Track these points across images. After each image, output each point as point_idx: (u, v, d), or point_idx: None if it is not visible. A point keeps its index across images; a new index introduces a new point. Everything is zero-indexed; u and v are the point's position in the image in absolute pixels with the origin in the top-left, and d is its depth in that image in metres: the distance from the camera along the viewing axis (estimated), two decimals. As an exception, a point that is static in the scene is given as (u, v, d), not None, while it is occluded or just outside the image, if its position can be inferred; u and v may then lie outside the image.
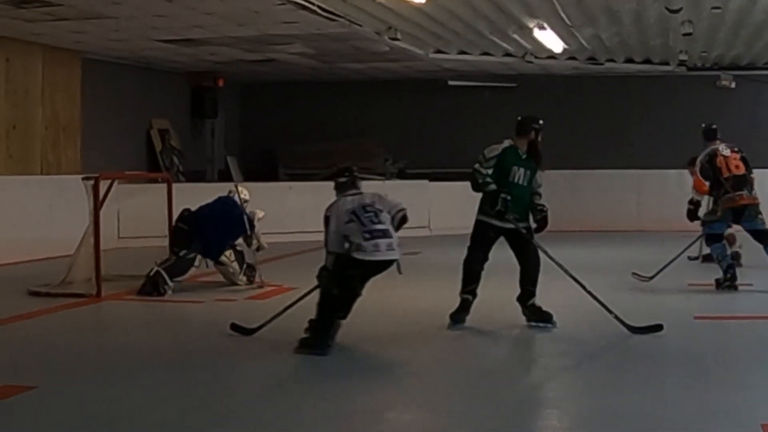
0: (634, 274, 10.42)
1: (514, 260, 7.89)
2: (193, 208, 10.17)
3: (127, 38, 13.43)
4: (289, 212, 14.81)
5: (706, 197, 10.52)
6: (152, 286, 9.55)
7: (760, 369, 6.39)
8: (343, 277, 6.80)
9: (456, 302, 7.82)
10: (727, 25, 13.49)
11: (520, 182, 7.79)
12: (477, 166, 7.73)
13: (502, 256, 7.94)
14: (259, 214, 10.24)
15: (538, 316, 7.78)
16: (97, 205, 9.69)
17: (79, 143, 14.56)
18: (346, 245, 6.76)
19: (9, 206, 12.51)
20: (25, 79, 13.52)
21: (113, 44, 13.91)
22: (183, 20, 12.17)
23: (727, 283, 9.63)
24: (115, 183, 10.66)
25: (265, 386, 6.15)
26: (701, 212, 10.58)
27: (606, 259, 12.57)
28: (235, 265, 10.10)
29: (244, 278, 10.13)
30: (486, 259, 7.83)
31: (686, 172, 12.11)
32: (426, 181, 17.26)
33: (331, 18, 11.91)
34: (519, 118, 7.98)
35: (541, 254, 7.79)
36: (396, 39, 13.55)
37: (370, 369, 6.71)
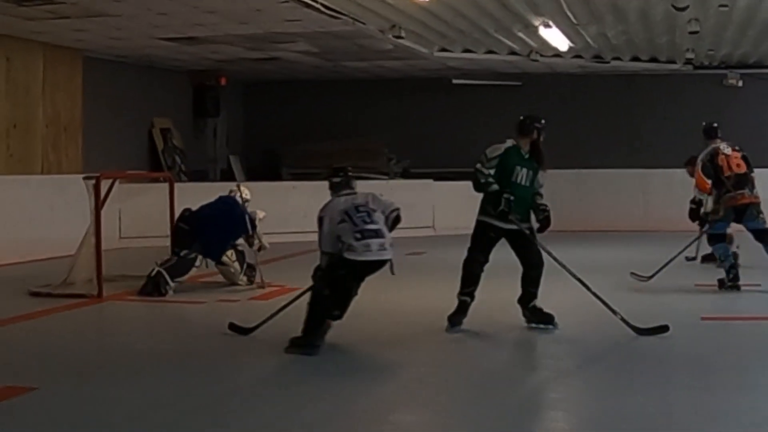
0: (632, 273, 10.38)
1: (514, 261, 7.81)
2: (194, 208, 10.14)
3: (128, 36, 13.40)
4: (292, 212, 14.72)
5: (706, 196, 10.54)
6: (153, 287, 9.54)
7: (768, 370, 6.36)
8: (334, 277, 6.82)
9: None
10: (735, 24, 13.46)
11: (523, 182, 7.71)
12: (479, 166, 7.65)
13: (502, 256, 7.87)
14: (260, 214, 10.22)
15: (540, 318, 7.73)
16: (99, 205, 9.66)
17: (80, 142, 14.52)
18: (340, 245, 6.78)
19: (9, 206, 12.51)
20: (25, 77, 13.49)
21: (114, 42, 13.88)
22: (185, 18, 12.13)
23: (730, 284, 9.61)
24: (117, 183, 10.62)
25: (266, 387, 6.15)
26: (702, 212, 10.57)
27: (611, 259, 12.53)
28: (237, 265, 10.09)
29: (245, 278, 10.12)
30: (486, 261, 7.75)
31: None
32: (430, 181, 17.25)
33: (334, 16, 11.88)
34: (521, 117, 7.91)
35: (544, 255, 7.71)
36: (400, 37, 13.50)
37: (372, 370, 6.71)
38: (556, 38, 14.21)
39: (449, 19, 13.20)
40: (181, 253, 9.78)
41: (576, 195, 17.31)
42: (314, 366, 6.50)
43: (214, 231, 9.86)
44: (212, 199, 10.30)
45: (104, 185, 9.87)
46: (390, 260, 6.96)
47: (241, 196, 10.08)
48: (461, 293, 7.72)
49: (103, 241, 9.62)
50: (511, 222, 7.58)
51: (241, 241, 10.14)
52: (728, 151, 9.79)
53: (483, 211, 7.72)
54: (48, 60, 13.83)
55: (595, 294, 7.61)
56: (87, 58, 14.62)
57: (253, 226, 10.01)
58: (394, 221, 7.13)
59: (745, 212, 9.62)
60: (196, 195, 10.95)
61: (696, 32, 13.01)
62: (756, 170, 9.91)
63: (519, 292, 7.80)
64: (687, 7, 11.66)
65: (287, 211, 14.64)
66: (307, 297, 7.02)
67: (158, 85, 17.03)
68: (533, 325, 7.73)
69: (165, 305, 9.26)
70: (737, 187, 9.59)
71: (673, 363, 6.58)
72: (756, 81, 17.57)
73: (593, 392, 5.94)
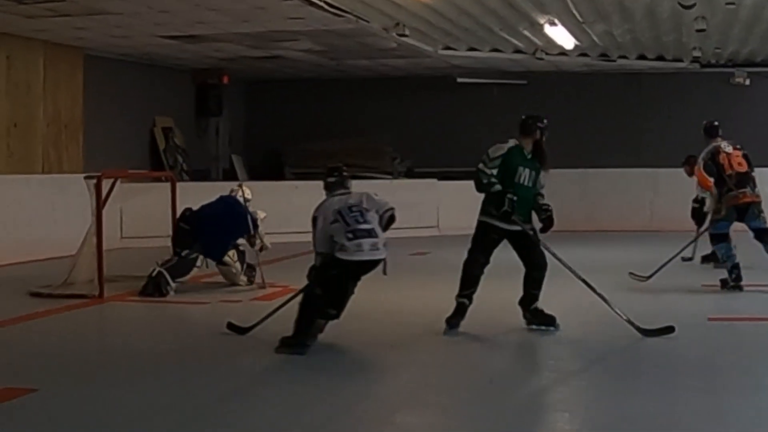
0: (630, 274, 10.32)
1: (515, 261, 7.74)
2: (195, 208, 10.07)
3: (130, 34, 13.36)
4: (296, 212, 14.61)
5: (709, 194, 10.55)
6: (154, 287, 9.51)
7: (776, 371, 6.33)
8: (326, 277, 6.85)
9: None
10: (742, 21, 13.41)
11: (525, 183, 7.63)
12: (481, 165, 7.56)
13: (503, 257, 7.80)
14: (261, 215, 10.18)
15: (541, 320, 7.66)
16: (100, 205, 9.62)
17: (81, 141, 14.48)
18: (333, 245, 6.84)
19: (10, 206, 12.48)
20: (26, 76, 13.44)
21: (116, 41, 13.85)
22: (187, 16, 12.10)
23: (733, 284, 9.59)
24: (118, 182, 10.57)
25: (267, 388, 6.14)
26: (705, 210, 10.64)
27: (616, 260, 12.45)
28: (238, 265, 10.06)
29: (245, 278, 10.09)
30: (487, 262, 7.66)
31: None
32: (434, 180, 17.21)
33: (337, 14, 11.86)
34: (523, 117, 7.84)
35: (548, 256, 7.63)
36: (404, 35, 13.46)
37: (375, 371, 6.71)
38: (561, 36, 14.17)
39: (454, 17, 13.15)
40: (182, 253, 9.74)
41: (581, 194, 17.32)
42: (315, 367, 6.49)
43: (215, 231, 9.81)
44: (213, 198, 10.23)
45: (105, 185, 9.82)
46: (384, 260, 6.96)
47: (243, 195, 10.04)
48: (460, 295, 7.64)
49: (104, 241, 9.62)
50: (514, 223, 7.50)
51: (242, 240, 10.09)
52: (729, 149, 9.78)
53: (484, 211, 7.63)
54: (49, 58, 13.79)
55: (600, 295, 7.55)
56: (88, 57, 14.57)
57: (255, 226, 9.97)
58: (388, 221, 7.14)
59: (747, 211, 9.61)
60: (198, 194, 10.88)
61: (703, 30, 12.96)
62: (763, 169, 9.86)
63: (520, 293, 7.73)
64: (694, 4, 11.62)
65: (290, 210, 14.54)
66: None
67: (160, 83, 16.99)
68: (533, 326, 7.67)
69: (166, 306, 9.23)
70: (739, 186, 9.58)
71: (679, 364, 6.54)
72: (763, 79, 17.51)
73: (597, 394, 5.90)
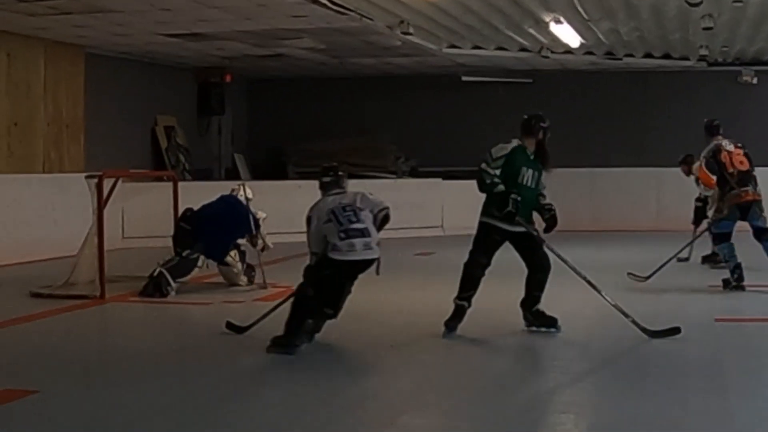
0: (629, 274, 10.26)
1: (517, 262, 7.67)
2: (196, 208, 10.05)
3: (131, 33, 13.34)
4: (299, 211, 14.53)
5: (712, 192, 10.57)
6: (155, 287, 9.49)
7: (783, 373, 6.31)
8: (319, 277, 6.86)
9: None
10: (749, 19, 13.38)
11: (528, 184, 7.55)
12: (484, 165, 7.47)
13: (504, 257, 7.73)
14: (261, 215, 10.11)
15: (542, 321, 7.59)
16: (101, 205, 9.60)
17: (82, 140, 14.45)
18: (326, 245, 6.87)
19: (10, 205, 12.47)
20: (26, 74, 13.41)
21: (117, 39, 13.82)
22: (189, 14, 12.07)
23: (735, 284, 9.55)
24: (120, 181, 10.56)
25: (269, 389, 6.13)
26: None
27: (621, 260, 12.37)
28: (239, 265, 10.04)
29: (245, 279, 10.06)
30: (488, 264, 7.57)
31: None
32: (439, 180, 17.15)
33: (341, 12, 11.83)
34: (525, 116, 7.76)
35: (552, 257, 7.56)
36: (408, 33, 13.44)
37: (377, 372, 6.68)
38: (567, 34, 14.14)
39: (458, 15, 13.12)
40: (183, 254, 9.71)
41: (587, 194, 17.32)
42: (316, 367, 6.51)
43: (216, 231, 9.78)
44: (214, 198, 10.19)
45: (107, 184, 9.79)
46: (377, 260, 6.94)
47: (244, 195, 10.00)
48: (459, 297, 7.56)
49: (105, 241, 9.61)
50: (517, 224, 7.42)
51: (243, 240, 10.05)
52: (730, 147, 9.78)
53: (486, 212, 7.54)
54: (49, 57, 13.75)
55: (605, 296, 7.49)
56: (89, 55, 14.55)
57: (257, 226, 9.93)
58: (382, 220, 7.13)
59: (749, 210, 9.60)
60: (201, 194, 10.84)
61: (710, 28, 12.91)
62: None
63: (522, 294, 7.65)
64: (701, 2, 11.58)
65: (293, 210, 14.44)
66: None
67: (162, 82, 16.96)
68: (534, 328, 7.60)
69: (167, 306, 9.21)
70: (741, 184, 9.58)
71: (686, 365, 6.54)
72: (771, 78, 17.44)
73: (603, 396, 5.86)
